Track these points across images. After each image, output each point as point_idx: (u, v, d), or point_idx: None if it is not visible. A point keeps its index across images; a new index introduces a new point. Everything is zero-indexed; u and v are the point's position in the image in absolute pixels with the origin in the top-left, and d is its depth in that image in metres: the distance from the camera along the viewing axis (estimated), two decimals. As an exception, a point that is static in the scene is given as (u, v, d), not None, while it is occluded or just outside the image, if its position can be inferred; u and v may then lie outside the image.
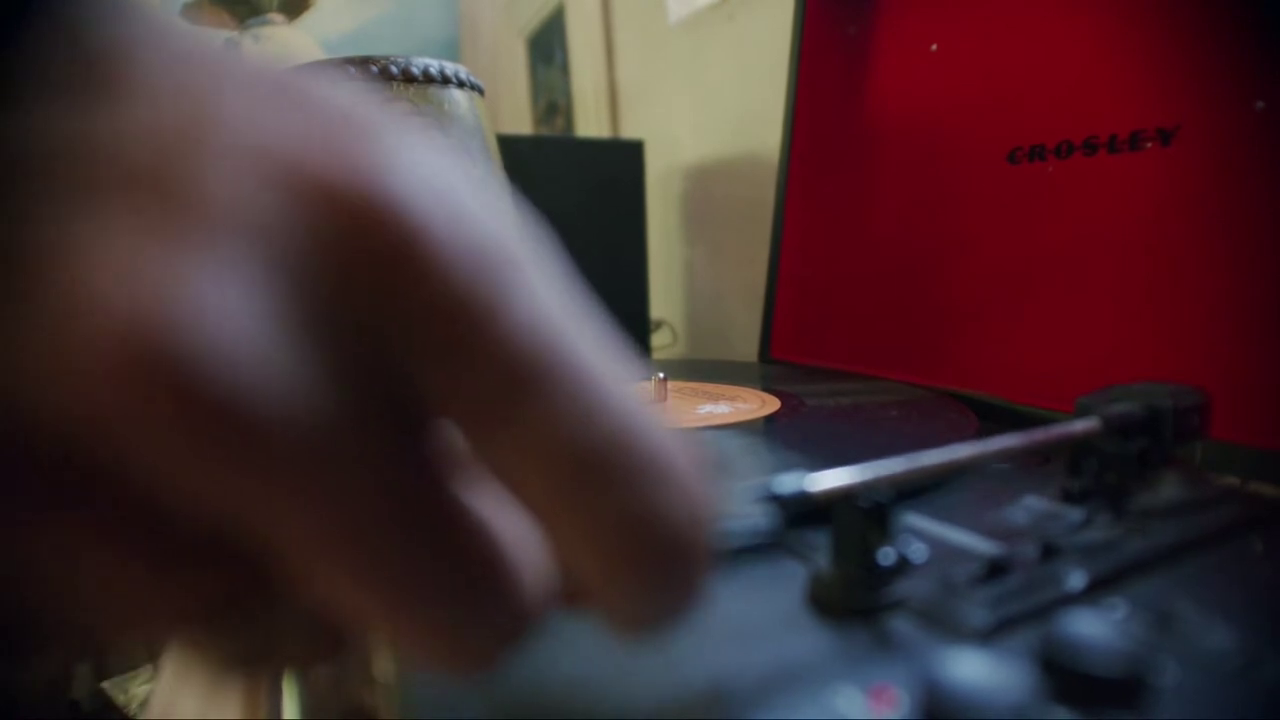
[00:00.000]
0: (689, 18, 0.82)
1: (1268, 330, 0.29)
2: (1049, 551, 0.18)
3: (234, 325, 0.08)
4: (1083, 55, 0.35)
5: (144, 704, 0.91)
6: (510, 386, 0.09)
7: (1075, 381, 0.26)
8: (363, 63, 0.33)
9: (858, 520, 0.16)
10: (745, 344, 0.64)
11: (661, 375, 0.37)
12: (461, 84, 0.36)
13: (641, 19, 0.95)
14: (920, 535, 0.20)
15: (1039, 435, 0.20)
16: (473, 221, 0.09)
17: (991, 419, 0.32)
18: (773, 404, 0.36)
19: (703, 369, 0.47)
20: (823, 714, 0.13)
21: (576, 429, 0.09)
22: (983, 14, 0.40)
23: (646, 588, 0.10)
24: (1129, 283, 0.34)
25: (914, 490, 0.24)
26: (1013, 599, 0.16)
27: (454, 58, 0.40)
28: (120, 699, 0.90)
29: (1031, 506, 0.22)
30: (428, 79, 0.34)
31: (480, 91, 0.38)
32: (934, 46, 0.43)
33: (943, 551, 0.19)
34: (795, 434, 0.31)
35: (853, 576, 0.16)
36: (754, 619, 0.16)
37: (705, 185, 0.84)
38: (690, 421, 0.32)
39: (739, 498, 0.14)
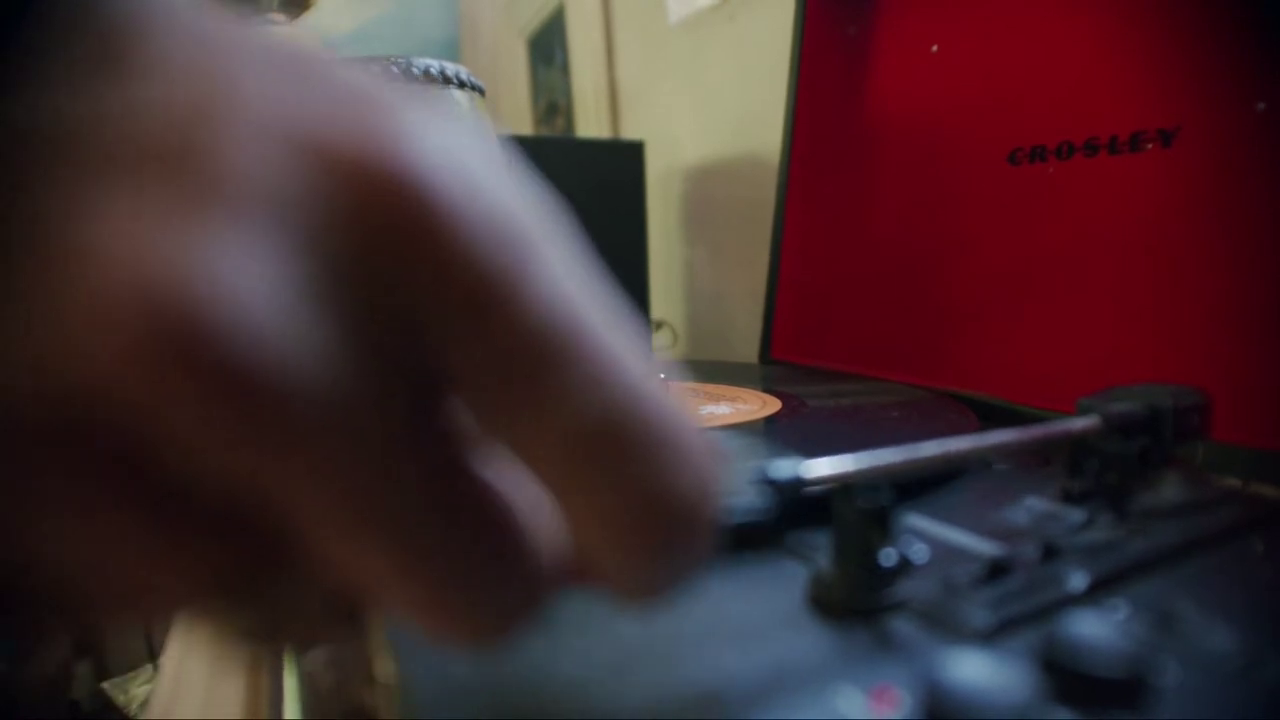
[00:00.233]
0: (689, 18, 0.82)
1: (1268, 331, 0.29)
2: (1050, 552, 0.18)
3: (252, 295, 0.08)
4: (1083, 56, 0.36)
5: (144, 704, 0.91)
6: (528, 361, 0.09)
7: (1076, 383, 0.26)
8: (363, 63, 0.32)
9: (859, 521, 0.16)
10: (746, 345, 0.64)
11: (662, 376, 0.37)
12: (462, 84, 0.36)
13: (642, 19, 0.95)
14: (921, 536, 0.20)
15: (1038, 431, 0.20)
16: (492, 198, 0.10)
17: (992, 420, 0.32)
18: (773, 405, 0.36)
19: (703, 370, 0.47)
20: (824, 715, 0.13)
21: (593, 403, 0.10)
22: (983, 15, 0.40)
23: (655, 558, 0.10)
24: (1129, 284, 0.34)
25: (915, 490, 0.24)
26: (1014, 600, 0.16)
27: (454, 58, 0.40)
28: (120, 699, 0.90)
29: (1032, 507, 0.22)
30: (428, 79, 0.34)
31: (481, 92, 0.38)
32: (934, 47, 0.43)
33: (944, 552, 0.19)
34: (796, 435, 0.31)
35: (854, 577, 0.16)
36: (755, 620, 0.16)
37: (705, 186, 0.84)
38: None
39: (737, 479, 0.14)
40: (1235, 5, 0.30)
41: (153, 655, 0.52)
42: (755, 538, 0.20)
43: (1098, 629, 0.13)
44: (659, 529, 0.10)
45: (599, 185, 0.70)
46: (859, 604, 0.16)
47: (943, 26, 0.43)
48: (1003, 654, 0.14)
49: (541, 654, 0.15)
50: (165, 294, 0.08)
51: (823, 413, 0.35)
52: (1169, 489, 0.22)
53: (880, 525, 0.16)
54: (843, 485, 0.16)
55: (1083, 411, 0.22)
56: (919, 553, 0.16)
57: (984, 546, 0.19)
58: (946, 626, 0.16)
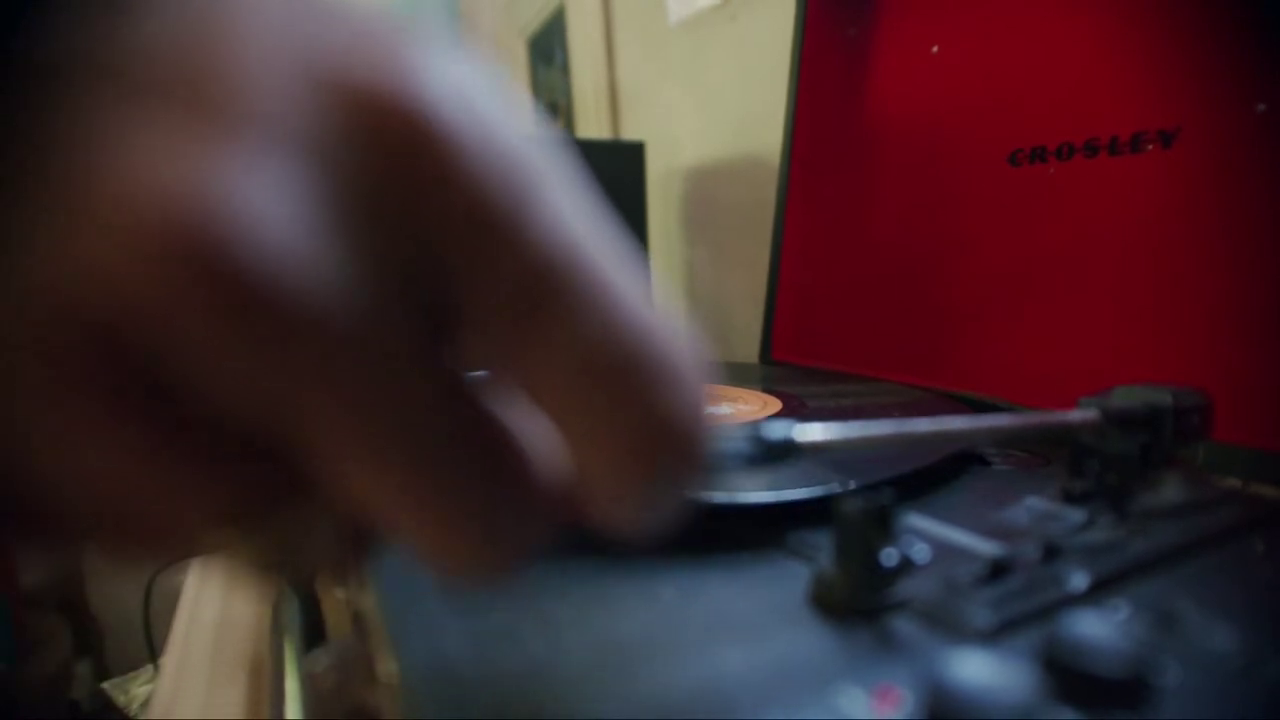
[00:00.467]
0: (690, 18, 0.82)
1: (1269, 332, 0.29)
2: (1051, 552, 0.18)
3: (270, 215, 0.08)
4: (1083, 57, 0.36)
5: (144, 704, 0.91)
6: (534, 287, 0.10)
7: (1076, 383, 0.26)
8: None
9: (860, 520, 0.16)
10: (746, 345, 0.64)
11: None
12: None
13: (642, 20, 0.95)
14: (922, 536, 0.20)
15: (1033, 419, 0.20)
16: (499, 131, 0.10)
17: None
18: (774, 405, 0.36)
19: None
20: (827, 714, 0.13)
21: (596, 329, 0.10)
22: (984, 16, 0.40)
23: (648, 482, 0.11)
24: (1130, 284, 0.34)
25: (916, 490, 0.24)
26: (1015, 599, 0.16)
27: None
28: (121, 699, 0.90)
29: (1033, 507, 0.22)
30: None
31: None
32: (935, 48, 0.43)
33: (945, 552, 0.19)
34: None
35: (855, 577, 0.16)
36: (757, 619, 0.16)
37: (706, 186, 0.84)
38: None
39: (729, 431, 0.14)
40: (1235, 6, 0.30)
41: (153, 655, 0.52)
42: (757, 536, 0.20)
43: (1099, 629, 0.13)
44: (655, 453, 0.10)
45: (599, 186, 0.69)
46: (860, 604, 0.16)
47: (943, 27, 0.43)
48: (1004, 653, 0.15)
49: (543, 653, 0.15)
50: (186, 211, 0.08)
51: (823, 413, 0.35)
52: (1169, 489, 0.22)
53: (881, 525, 0.16)
54: (844, 486, 0.16)
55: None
56: (920, 552, 0.16)
57: (985, 546, 0.19)
58: (948, 626, 0.16)
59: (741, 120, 0.76)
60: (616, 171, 0.71)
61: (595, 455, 0.11)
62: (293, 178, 0.09)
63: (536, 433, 0.11)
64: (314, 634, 0.28)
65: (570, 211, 0.10)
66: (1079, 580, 0.17)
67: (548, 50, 1.25)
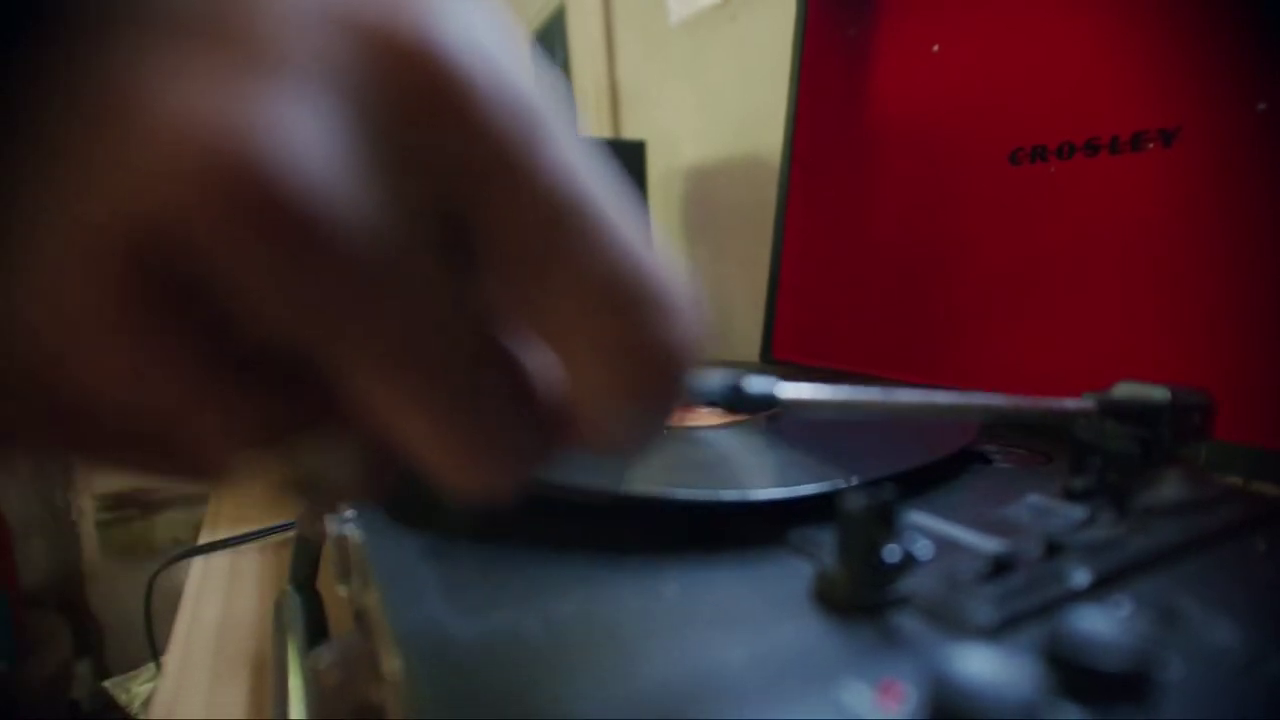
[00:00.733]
0: (690, 18, 0.82)
1: (1270, 331, 0.29)
2: (1053, 549, 0.18)
3: (308, 146, 0.09)
4: (1084, 56, 0.36)
5: (145, 703, 0.91)
6: (547, 223, 0.11)
7: (1078, 382, 0.26)
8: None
9: (863, 517, 0.16)
10: (747, 345, 0.64)
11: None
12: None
13: (642, 19, 0.95)
14: (924, 533, 0.20)
15: (1025, 402, 0.20)
16: (510, 74, 0.10)
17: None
18: (775, 404, 0.36)
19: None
20: (831, 709, 0.13)
21: (603, 263, 0.11)
22: (984, 15, 0.40)
23: (642, 404, 0.12)
24: (1131, 283, 0.34)
25: (918, 487, 0.24)
26: (1017, 596, 0.16)
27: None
28: (122, 698, 0.90)
29: (1035, 505, 0.22)
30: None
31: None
32: (935, 48, 0.43)
33: (947, 549, 0.19)
34: (798, 434, 0.31)
35: (858, 573, 0.16)
36: (761, 616, 0.16)
37: (706, 186, 0.84)
38: (693, 421, 0.32)
39: (714, 374, 0.15)
40: (1236, 5, 0.30)
41: (155, 654, 0.52)
42: (759, 534, 0.20)
43: (1101, 624, 0.13)
44: (649, 375, 0.11)
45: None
46: (863, 600, 0.16)
47: (944, 27, 0.43)
48: (1007, 649, 0.15)
49: (547, 650, 0.15)
50: (233, 142, 0.09)
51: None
52: (1170, 487, 0.22)
53: (884, 521, 0.16)
54: (847, 483, 0.16)
55: (1084, 408, 0.22)
56: (923, 549, 0.16)
57: (987, 543, 0.20)
58: (950, 622, 0.16)
59: (742, 120, 0.76)
60: (617, 171, 0.71)
61: (594, 378, 0.11)
62: (325, 114, 0.09)
63: (538, 364, 0.12)
64: (316, 632, 0.28)
65: (572, 150, 0.11)
66: (1081, 577, 0.17)
67: (548, 50, 1.25)
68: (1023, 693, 0.11)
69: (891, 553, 0.16)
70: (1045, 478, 0.26)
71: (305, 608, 0.29)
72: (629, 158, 0.73)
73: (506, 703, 0.14)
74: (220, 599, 0.43)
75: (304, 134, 0.09)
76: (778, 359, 0.55)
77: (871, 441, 0.30)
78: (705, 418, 0.33)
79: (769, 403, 0.15)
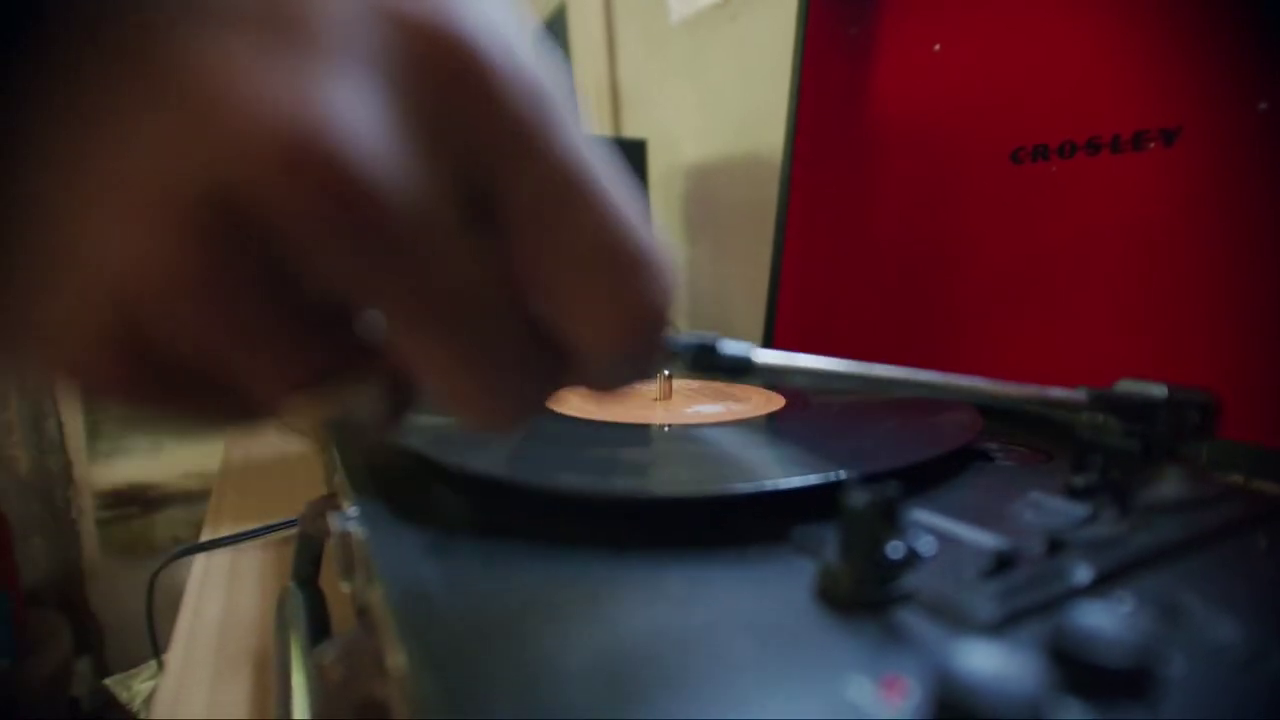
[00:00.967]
0: (691, 17, 0.82)
1: (1270, 330, 0.29)
2: (1055, 546, 0.18)
3: (361, 123, 0.10)
4: (1086, 55, 0.36)
5: (146, 701, 0.91)
6: (555, 189, 0.12)
7: (1079, 380, 0.26)
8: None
9: (865, 514, 0.16)
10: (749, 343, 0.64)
11: (666, 373, 0.37)
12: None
13: (643, 18, 0.95)
14: (926, 530, 0.20)
15: (1011, 389, 0.20)
16: (526, 63, 0.12)
17: (995, 417, 0.32)
18: (777, 401, 0.36)
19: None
20: (835, 706, 0.13)
21: (601, 230, 0.13)
22: (986, 14, 0.40)
23: (627, 348, 0.14)
24: (1132, 282, 0.34)
25: (920, 485, 0.24)
26: (1020, 592, 0.16)
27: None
28: (124, 696, 0.90)
29: (1037, 502, 0.22)
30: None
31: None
32: (937, 47, 0.43)
33: (949, 546, 0.19)
34: (800, 431, 0.31)
35: (861, 570, 0.16)
36: (764, 612, 0.16)
37: (707, 185, 0.84)
38: (695, 420, 0.32)
39: (689, 335, 0.16)
40: (1237, 5, 0.30)
41: (156, 651, 0.52)
42: (762, 531, 0.20)
43: (1104, 620, 0.13)
44: (637, 328, 0.13)
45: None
46: (867, 597, 0.16)
47: (945, 26, 0.43)
48: (1010, 645, 0.15)
49: (552, 644, 0.15)
50: (299, 120, 0.10)
51: (827, 410, 0.35)
52: (1172, 485, 0.22)
53: (887, 518, 0.16)
54: (848, 481, 0.16)
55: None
56: (926, 545, 0.16)
57: (989, 540, 0.20)
58: (953, 618, 0.16)
59: (743, 119, 0.76)
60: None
61: (588, 326, 0.13)
62: (372, 95, 0.11)
63: (544, 316, 0.14)
64: (319, 629, 0.28)
65: (578, 133, 0.13)
66: (1083, 574, 0.17)
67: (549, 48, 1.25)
68: (1026, 688, 0.11)
69: (895, 549, 0.16)
70: (1047, 475, 0.26)
71: (308, 604, 0.29)
72: (630, 156, 0.73)
73: (510, 699, 0.14)
74: (222, 596, 0.43)
75: (358, 113, 0.10)
76: (779, 358, 0.55)
77: (872, 440, 0.30)
78: (707, 417, 0.33)
79: (743, 366, 0.16)
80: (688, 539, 0.20)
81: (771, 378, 0.16)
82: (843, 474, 0.22)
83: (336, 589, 0.24)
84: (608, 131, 1.06)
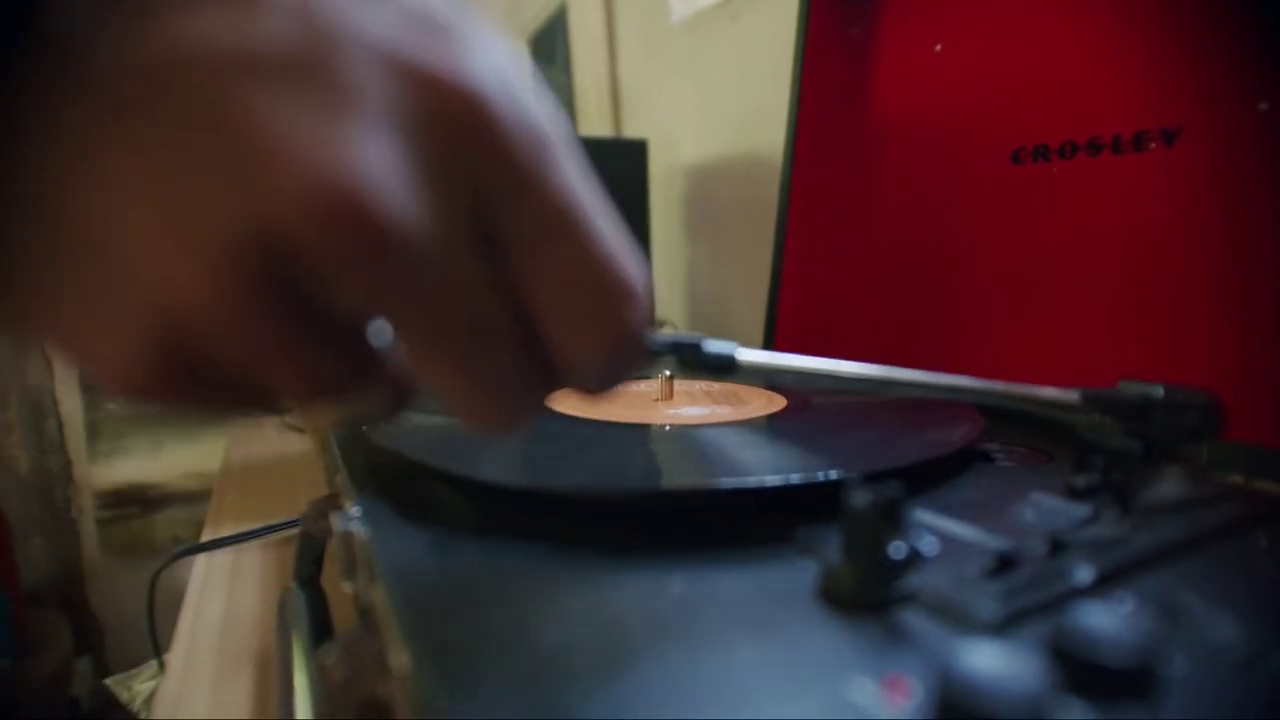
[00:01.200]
0: (692, 17, 0.82)
1: (1271, 330, 0.29)
2: (1057, 546, 0.18)
3: (387, 175, 0.12)
4: (1086, 56, 0.36)
5: (147, 701, 0.91)
6: (551, 223, 0.14)
7: (1080, 381, 0.26)
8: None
9: (868, 514, 0.16)
10: (749, 343, 0.64)
11: (667, 373, 0.37)
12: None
13: (644, 18, 0.95)
14: (928, 531, 0.20)
15: (999, 387, 0.20)
16: (529, 109, 0.14)
17: (996, 417, 0.32)
18: (779, 402, 0.36)
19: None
20: (838, 706, 0.13)
21: (592, 261, 0.14)
22: (987, 15, 0.40)
23: (614, 363, 0.16)
24: (1132, 282, 0.34)
25: (922, 485, 0.24)
26: (1022, 592, 0.16)
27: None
28: (124, 696, 0.90)
29: (1038, 503, 0.22)
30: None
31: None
32: (938, 47, 0.43)
33: (951, 546, 0.19)
34: (801, 432, 0.31)
35: (864, 570, 0.16)
36: (767, 612, 0.17)
37: (708, 185, 0.84)
38: (695, 420, 0.32)
39: (676, 333, 0.17)
40: (1237, 5, 0.30)
41: (157, 651, 0.52)
42: (765, 531, 0.21)
43: (1105, 620, 0.13)
44: (619, 344, 0.15)
45: (601, 184, 0.70)
46: (869, 597, 0.16)
47: (946, 26, 0.43)
48: (1012, 645, 0.15)
49: (554, 644, 0.15)
50: (335, 174, 0.11)
51: (827, 410, 0.35)
52: (1172, 485, 0.22)
53: (889, 518, 0.16)
54: (850, 480, 0.16)
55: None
56: (929, 545, 0.16)
57: (991, 540, 0.20)
58: (955, 618, 0.16)
59: (743, 119, 0.76)
60: (618, 170, 0.72)
61: (579, 345, 0.15)
62: (394, 150, 0.12)
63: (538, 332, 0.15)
64: (321, 628, 0.28)
65: (575, 172, 0.14)
66: (1084, 574, 0.17)
67: (549, 49, 1.25)
68: (1028, 688, 0.12)
69: (897, 549, 0.16)
70: (1047, 476, 0.26)
71: (310, 604, 0.29)
72: (630, 156, 0.74)
73: (513, 698, 0.14)
74: (223, 596, 0.43)
75: (386, 168, 0.12)
76: (779, 358, 0.55)
77: (872, 440, 0.30)
78: (707, 418, 0.33)
79: (727, 364, 0.16)
80: (690, 539, 0.20)
81: (763, 376, 0.17)
82: (827, 474, 0.22)
83: (338, 589, 0.24)
84: (608, 131, 1.06)
